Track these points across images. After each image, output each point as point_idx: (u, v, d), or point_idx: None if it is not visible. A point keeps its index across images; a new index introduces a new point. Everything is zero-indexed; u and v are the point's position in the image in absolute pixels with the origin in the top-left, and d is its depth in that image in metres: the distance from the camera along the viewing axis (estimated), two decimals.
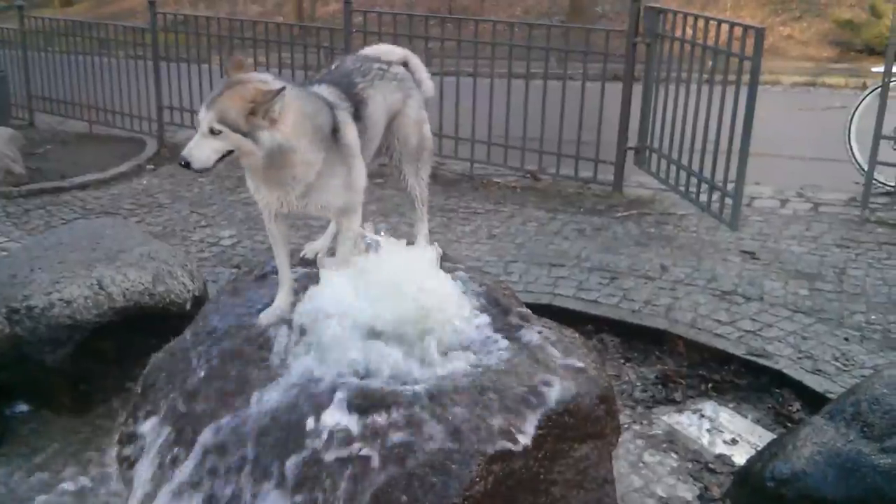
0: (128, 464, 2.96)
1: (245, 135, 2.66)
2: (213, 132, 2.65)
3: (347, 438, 2.45)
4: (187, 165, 2.66)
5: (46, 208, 7.33)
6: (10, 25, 11.25)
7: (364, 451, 2.41)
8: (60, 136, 10.41)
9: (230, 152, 2.70)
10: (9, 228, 6.72)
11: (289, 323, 2.97)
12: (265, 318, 3.06)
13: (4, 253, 5.79)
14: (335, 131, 2.94)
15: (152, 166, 8.91)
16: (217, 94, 2.71)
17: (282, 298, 3.12)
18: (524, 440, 2.49)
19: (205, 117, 2.67)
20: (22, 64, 11.03)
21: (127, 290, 4.05)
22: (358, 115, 3.08)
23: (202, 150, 2.66)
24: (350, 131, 3.01)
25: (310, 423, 2.52)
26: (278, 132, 2.71)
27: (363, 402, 2.54)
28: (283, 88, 2.68)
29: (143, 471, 2.82)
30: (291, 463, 2.46)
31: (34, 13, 11.72)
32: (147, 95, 9.94)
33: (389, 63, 3.36)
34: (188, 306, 4.16)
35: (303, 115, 2.81)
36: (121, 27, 10.90)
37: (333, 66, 3.41)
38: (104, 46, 10.46)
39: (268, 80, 2.77)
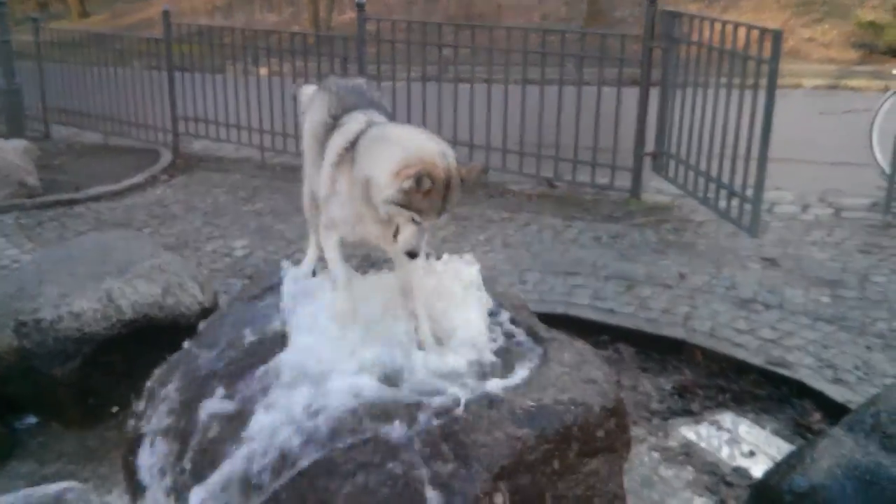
0: (133, 476, 2.92)
1: None
2: None
3: (351, 450, 2.39)
4: None
5: (60, 220, 7.34)
6: (26, 37, 11.32)
7: (366, 466, 2.35)
8: (76, 148, 10.49)
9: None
10: (22, 241, 6.73)
11: (286, 335, 2.92)
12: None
13: (17, 265, 5.79)
14: None
15: (167, 177, 8.93)
16: None
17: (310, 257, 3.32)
18: (531, 456, 2.42)
19: None
20: (38, 76, 11.09)
21: (136, 302, 4.04)
22: None
23: None
24: None
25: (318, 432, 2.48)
26: None
27: (370, 414, 2.48)
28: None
29: (149, 482, 2.79)
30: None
31: (53, 24, 11.78)
32: (162, 106, 9.99)
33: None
34: (197, 318, 4.12)
35: None
36: (136, 38, 10.97)
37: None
38: (119, 57, 10.50)
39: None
